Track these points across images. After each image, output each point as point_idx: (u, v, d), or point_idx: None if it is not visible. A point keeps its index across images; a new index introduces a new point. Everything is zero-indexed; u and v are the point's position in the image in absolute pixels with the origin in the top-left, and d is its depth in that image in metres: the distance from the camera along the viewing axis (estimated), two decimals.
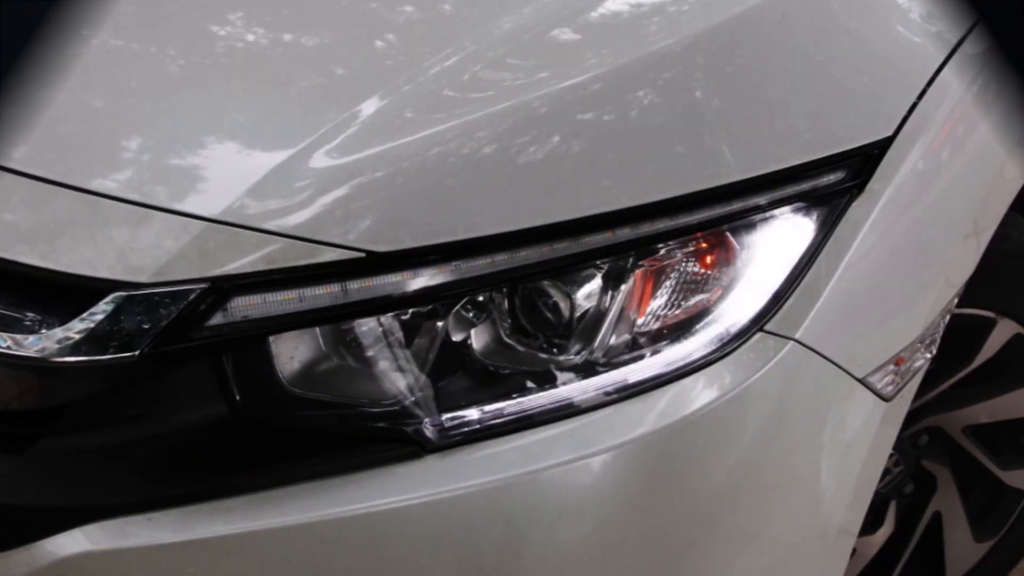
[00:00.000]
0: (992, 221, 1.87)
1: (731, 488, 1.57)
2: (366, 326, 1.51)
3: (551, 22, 1.65)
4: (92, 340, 1.45)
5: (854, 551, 2.16)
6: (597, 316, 1.56)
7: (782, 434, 1.59)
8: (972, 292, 1.98)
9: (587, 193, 1.52)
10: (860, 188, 1.64)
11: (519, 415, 1.52)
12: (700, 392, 1.54)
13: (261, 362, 1.50)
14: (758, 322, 1.57)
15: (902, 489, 2.42)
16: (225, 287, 1.46)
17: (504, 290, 1.54)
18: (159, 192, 1.49)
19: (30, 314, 1.48)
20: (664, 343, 1.57)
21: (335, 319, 1.50)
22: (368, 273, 1.47)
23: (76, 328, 1.45)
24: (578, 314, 1.56)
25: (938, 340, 1.80)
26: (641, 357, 1.56)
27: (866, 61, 1.71)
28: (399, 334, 1.52)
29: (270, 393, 1.51)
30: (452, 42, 1.63)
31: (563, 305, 1.56)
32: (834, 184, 1.62)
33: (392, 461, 1.50)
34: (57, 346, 1.45)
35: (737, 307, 1.58)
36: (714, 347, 1.56)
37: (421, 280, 1.48)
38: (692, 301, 1.59)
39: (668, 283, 1.58)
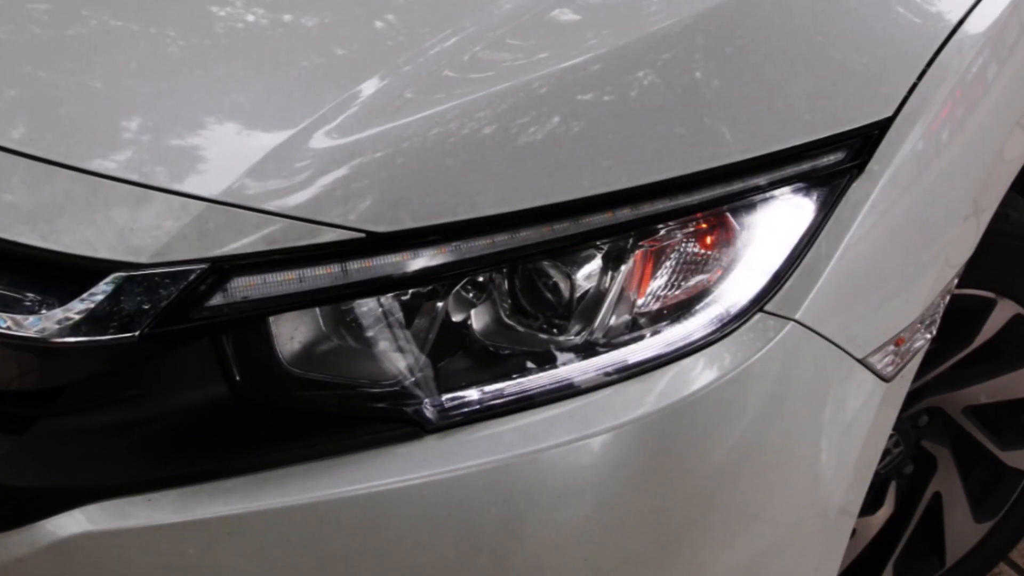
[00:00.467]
0: (992, 201, 1.87)
1: (731, 468, 1.57)
2: (366, 306, 1.51)
3: (551, 2, 1.65)
4: (92, 321, 1.45)
5: (854, 532, 2.18)
6: (597, 296, 1.56)
7: (782, 415, 1.59)
8: (972, 272, 1.98)
9: (587, 174, 1.51)
10: (860, 169, 1.64)
11: (519, 395, 1.52)
12: (700, 373, 1.54)
13: (261, 342, 1.50)
14: (758, 303, 1.57)
15: (902, 470, 2.42)
16: (225, 267, 1.46)
17: (504, 271, 1.54)
18: (159, 172, 1.49)
19: (30, 295, 1.48)
20: (664, 323, 1.57)
21: (335, 299, 1.50)
22: (368, 253, 1.47)
23: (76, 309, 1.45)
24: (578, 295, 1.56)
25: (938, 320, 1.80)
26: (641, 338, 1.56)
27: (866, 41, 1.70)
28: (399, 314, 1.52)
29: (270, 373, 1.51)
30: (452, 22, 1.63)
31: (563, 286, 1.56)
32: (834, 164, 1.62)
33: (392, 441, 1.50)
34: (57, 327, 1.45)
35: (737, 288, 1.58)
36: (714, 328, 1.56)
37: (421, 260, 1.48)
38: (692, 282, 1.59)
39: (668, 264, 1.58)
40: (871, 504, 2.38)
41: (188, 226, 1.45)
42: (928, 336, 1.78)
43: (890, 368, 1.69)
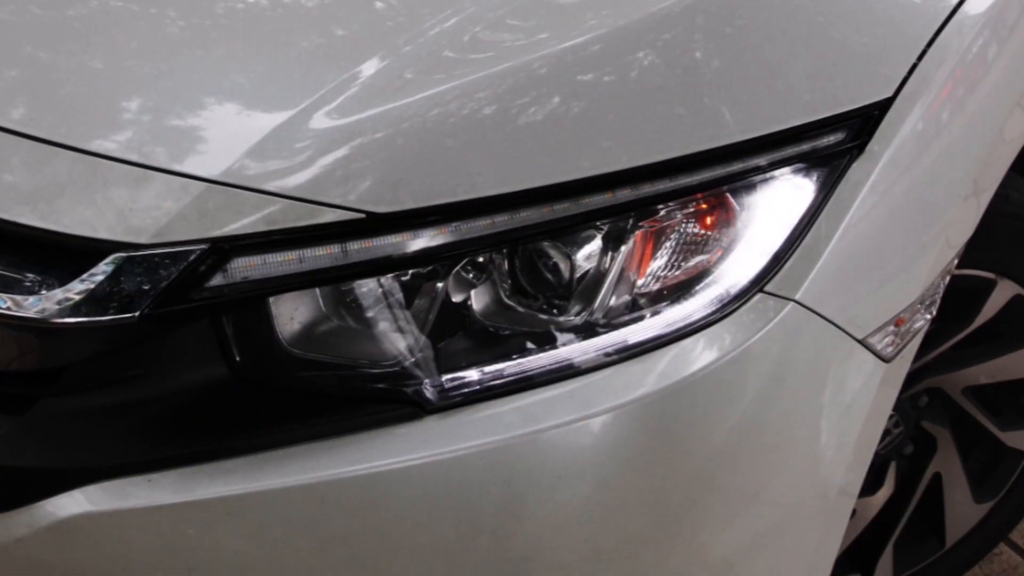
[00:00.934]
0: (992, 182, 1.87)
1: (731, 449, 1.57)
2: (366, 287, 1.51)
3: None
4: (92, 301, 1.45)
5: (854, 512, 2.17)
6: (597, 277, 1.56)
7: (782, 395, 1.59)
8: (972, 253, 1.98)
9: (587, 154, 1.51)
10: (860, 149, 1.64)
11: (519, 376, 1.52)
12: (700, 353, 1.54)
13: (261, 323, 1.50)
14: (758, 283, 1.57)
15: (902, 450, 2.43)
16: (225, 248, 1.46)
17: (504, 251, 1.55)
18: (159, 153, 1.49)
19: (30, 275, 1.48)
20: (664, 304, 1.57)
21: (335, 280, 1.50)
22: (368, 234, 1.47)
23: (76, 289, 1.45)
24: (578, 275, 1.56)
25: (938, 301, 1.80)
26: (641, 318, 1.56)
27: (865, 22, 1.70)
28: (399, 295, 1.52)
29: (270, 354, 1.51)
30: (452, 3, 1.63)
31: (563, 266, 1.56)
32: (834, 145, 1.62)
33: (392, 422, 1.50)
34: (57, 307, 1.45)
35: (737, 268, 1.58)
36: (714, 308, 1.56)
37: (421, 241, 1.48)
38: (692, 262, 1.59)
39: (668, 244, 1.58)
40: (871, 485, 2.38)
41: (188, 207, 1.45)
42: (928, 316, 1.78)
43: (890, 349, 1.69)
